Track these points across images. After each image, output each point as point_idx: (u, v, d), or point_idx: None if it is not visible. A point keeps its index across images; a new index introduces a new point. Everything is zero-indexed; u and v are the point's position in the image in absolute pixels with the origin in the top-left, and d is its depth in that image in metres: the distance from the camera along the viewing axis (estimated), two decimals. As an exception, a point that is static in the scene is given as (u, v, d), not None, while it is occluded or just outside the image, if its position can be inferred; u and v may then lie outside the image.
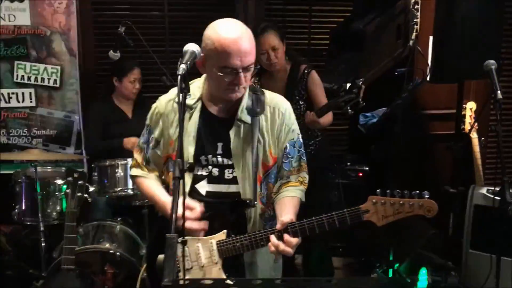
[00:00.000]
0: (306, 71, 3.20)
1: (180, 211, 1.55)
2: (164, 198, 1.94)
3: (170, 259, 1.37)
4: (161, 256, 1.45)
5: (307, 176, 2.04)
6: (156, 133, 1.99)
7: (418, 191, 1.67)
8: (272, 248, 1.77)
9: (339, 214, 1.72)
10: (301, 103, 3.20)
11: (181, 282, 1.38)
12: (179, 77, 1.57)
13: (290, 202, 1.93)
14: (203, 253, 1.86)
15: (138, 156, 2.07)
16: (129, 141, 3.45)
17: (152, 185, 2.03)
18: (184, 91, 1.58)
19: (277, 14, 4.28)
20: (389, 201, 1.68)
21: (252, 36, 1.82)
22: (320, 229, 1.76)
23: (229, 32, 1.77)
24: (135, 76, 3.59)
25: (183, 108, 1.58)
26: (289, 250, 1.76)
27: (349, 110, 2.88)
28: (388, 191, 1.68)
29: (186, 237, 1.67)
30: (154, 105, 2.02)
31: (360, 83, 2.81)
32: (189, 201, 1.83)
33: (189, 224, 1.78)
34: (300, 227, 1.77)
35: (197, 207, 1.85)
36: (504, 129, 2.60)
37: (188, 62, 1.62)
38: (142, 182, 2.06)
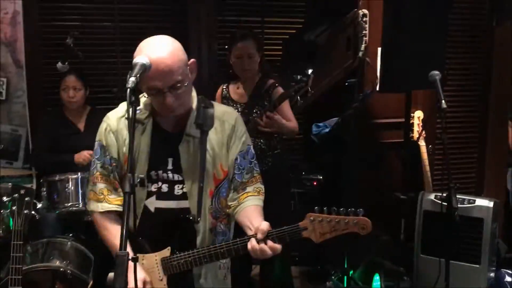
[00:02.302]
0: (272, 86, 3.24)
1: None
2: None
3: (121, 276, 1.34)
4: (111, 274, 1.41)
5: (263, 187, 2.03)
6: (113, 153, 1.91)
7: (353, 209, 1.71)
8: (258, 253, 1.73)
9: (278, 231, 1.73)
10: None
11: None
12: (128, 90, 1.54)
13: (256, 211, 1.91)
14: (148, 270, 1.84)
15: (102, 186, 1.92)
16: (81, 156, 3.35)
17: (112, 231, 1.90)
18: (134, 104, 1.55)
19: (230, 26, 4.29)
20: (325, 218, 1.70)
21: (179, 52, 1.78)
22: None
23: (148, 54, 1.71)
24: (67, 84, 3.43)
25: (133, 122, 1.55)
26: (271, 253, 1.73)
27: (299, 100, 2.96)
28: (325, 208, 1.71)
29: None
30: (103, 124, 1.94)
31: (310, 72, 2.87)
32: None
33: None
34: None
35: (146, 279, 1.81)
36: (449, 137, 2.71)
37: (138, 75, 1.59)
38: (108, 226, 1.92)
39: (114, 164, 1.92)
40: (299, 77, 2.91)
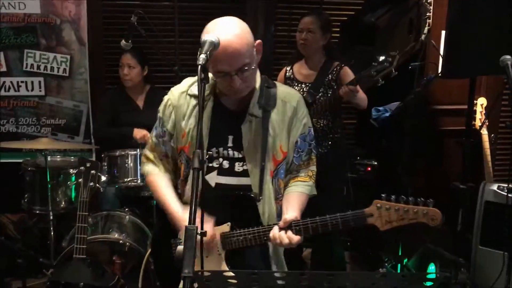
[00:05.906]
0: (338, 66, 3.23)
1: None
2: (175, 208, 1.91)
3: (190, 250, 1.36)
4: (180, 247, 1.44)
5: (315, 170, 2.04)
6: (169, 126, 1.96)
7: (423, 199, 1.66)
8: (277, 241, 1.79)
9: (343, 216, 1.73)
10: (329, 93, 3.20)
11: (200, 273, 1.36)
12: (199, 67, 1.53)
13: (297, 198, 1.94)
14: (208, 244, 1.85)
15: (150, 152, 2.05)
16: (140, 132, 3.42)
17: (165, 190, 1.98)
18: (204, 81, 1.55)
19: (288, 6, 4.25)
20: (393, 206, 1.68)
21: (247, 35, 1.76)
22: (323, 230, 1.78)
23: (216, 35, 1.67)
24: (123, 61, 3.51)
25: (203, 98, 1.55)
26: (289, 243, 1.78)
27: (380, 80, 2.87)
28: (393, 196, 1.68)
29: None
30: (166, 97, 1.99)
31: (395, 53, 2.79)
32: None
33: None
34: (304, 226, 1.78)
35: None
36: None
37: (208, 52, 1.58)
38: (155, 183, 2.01)
39: (165, 137, 1.98)
40: (381, 58, 2.80)
